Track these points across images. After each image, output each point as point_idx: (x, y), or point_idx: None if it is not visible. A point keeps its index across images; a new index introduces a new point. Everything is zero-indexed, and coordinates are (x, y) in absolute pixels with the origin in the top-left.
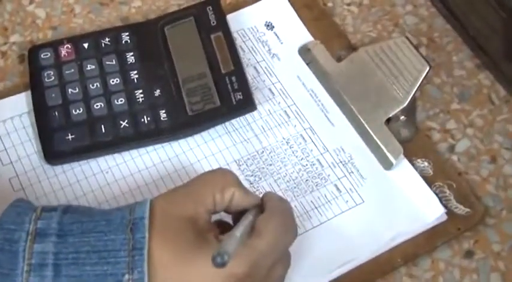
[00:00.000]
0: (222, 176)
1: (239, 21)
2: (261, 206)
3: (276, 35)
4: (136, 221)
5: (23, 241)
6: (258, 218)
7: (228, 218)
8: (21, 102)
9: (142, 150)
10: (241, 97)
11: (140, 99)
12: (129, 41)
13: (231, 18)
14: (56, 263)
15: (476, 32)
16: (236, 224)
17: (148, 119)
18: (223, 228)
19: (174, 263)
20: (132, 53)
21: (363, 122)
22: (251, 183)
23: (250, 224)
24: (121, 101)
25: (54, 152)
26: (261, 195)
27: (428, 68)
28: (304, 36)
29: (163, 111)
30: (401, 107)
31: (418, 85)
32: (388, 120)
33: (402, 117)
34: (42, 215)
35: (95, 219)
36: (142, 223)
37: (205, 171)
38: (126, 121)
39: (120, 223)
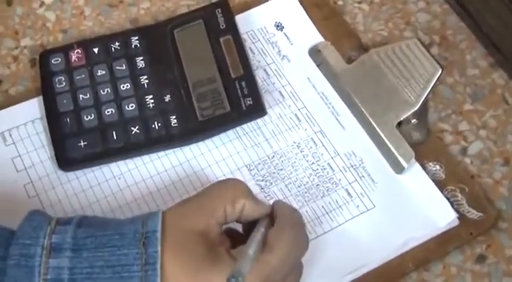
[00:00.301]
0: (233, 187)
1: (248, 22)
2: (271, 215)
3: (286, 35)
4: (148, 234)
5: (39, 256)
6: (270, 232)
7: (238, 225)
8: (34, 107)
9: (153, 155)
10: (251, 102)
11: (151, 105)
12: (138, 45)
13: (240, 19)
14: (72, 278)
15: (490, 29)
16: (248, 239)
17: (159, 125)
18: (234, 238)
19: (186, 279)
20: (142, 58)
21: (374, 125)
22: (262, 188)
23: (262, 237)
24: (131, 106)
25: (66, 158)
26: (271, 201)
27: (440, 71)
28: (314, 36)
29: (174, 117)
30: (412, 111)
31: (430, 88)
32: (400, 123)
33: (414, 121)
34: (57, 229)
35: (108, 233)
36: (155, 237)
37: (216, 181)
38: (137, 127)
39: (133, 237)
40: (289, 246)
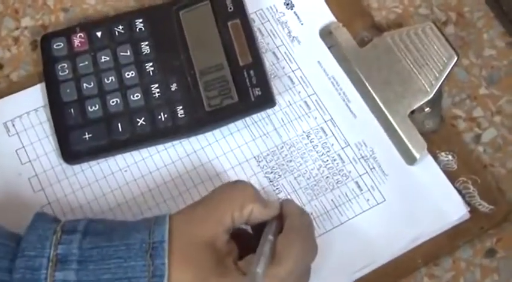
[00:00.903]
0: (241, 192)
1: (257, 0)
2: (280, 216)
3: (296, 15)
4: (155, 245)
5: (44, 268)
6: (278, 239)
7: None
8: (37, 95)
9: (160, 146)
10: (259, 93)
11: (156, 94)
12: (143, 28)
13: None
14: None
15: (510, 7)
16: (257, 251)
17: (165, 115)
18: (242, 238)
19: None
20: (146, 43)
21: (386, 113)
22: (271, 181)
23: (271, 248)
24: (137, 96)
25: (71, 151)
26: (280, 195)
27: (456, 59)
28: (326, 15)
29: (181, 107)
30: (426, 100)
31: (444, 77)
32: (412, 111)
33: (427, 109)
34: (63, 239)
35: (114, 244)
36: (162, 247)
37: (224, 184)
38: (142, 119)
39: (139, 248)
40: (298, 256)
